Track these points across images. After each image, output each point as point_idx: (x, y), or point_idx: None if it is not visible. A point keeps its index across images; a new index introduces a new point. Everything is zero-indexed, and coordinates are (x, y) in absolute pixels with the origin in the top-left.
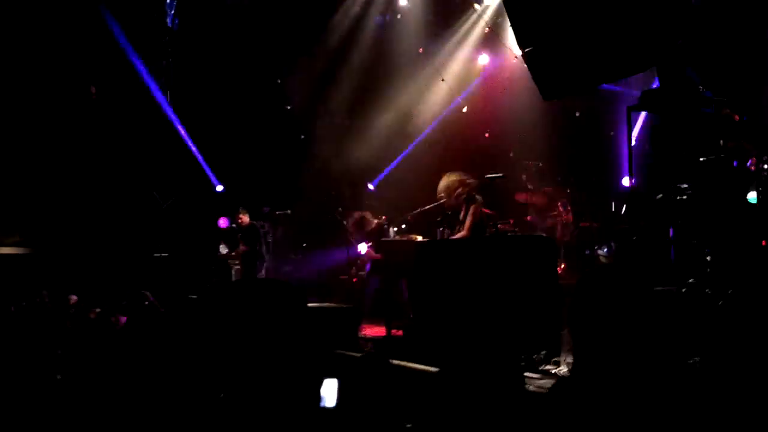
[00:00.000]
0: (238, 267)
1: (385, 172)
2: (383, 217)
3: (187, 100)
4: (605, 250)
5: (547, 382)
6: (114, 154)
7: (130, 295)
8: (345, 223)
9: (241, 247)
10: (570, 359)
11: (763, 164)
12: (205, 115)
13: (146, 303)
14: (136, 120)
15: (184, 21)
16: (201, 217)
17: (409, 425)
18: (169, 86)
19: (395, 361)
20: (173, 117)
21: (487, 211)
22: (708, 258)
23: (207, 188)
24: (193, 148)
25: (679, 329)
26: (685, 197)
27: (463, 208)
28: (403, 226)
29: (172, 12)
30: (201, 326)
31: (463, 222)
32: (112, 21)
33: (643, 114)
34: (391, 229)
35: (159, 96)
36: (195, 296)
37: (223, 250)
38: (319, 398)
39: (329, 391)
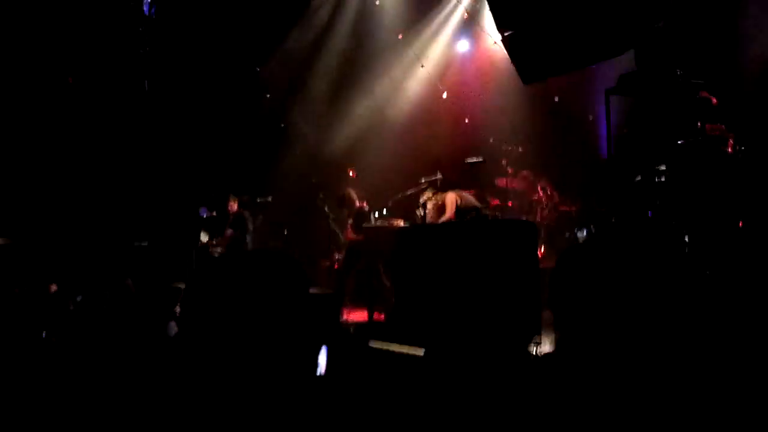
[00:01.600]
0: (219, 254)
1: (366, 157)
2: (365, 203)
3: (165, 89)
4: (584, 232)
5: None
6: (92, 143)
7: (112, 284)
8: (326, 209)
9: (228, 232)
10: (550, 339)
11: (740, 147)
12: (184, 105)
13: (128, 292)
14: (114, 109)
15: (161, 9)
16: (181, 206)
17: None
18: (147, 75)
19: (376, 344)
20: (152, 106)
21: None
22: (686, 239)
23: (187, 178)
24: (172, 138)
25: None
26: (663, 179)
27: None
28: (384, 211)
29: (149, 0)
30: (197, 303)
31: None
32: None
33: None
34: (372, 215)
35: (137, 85)
36: (178, 285)
37: (204, 238)
38: (316, 365)
39: (321, 359)
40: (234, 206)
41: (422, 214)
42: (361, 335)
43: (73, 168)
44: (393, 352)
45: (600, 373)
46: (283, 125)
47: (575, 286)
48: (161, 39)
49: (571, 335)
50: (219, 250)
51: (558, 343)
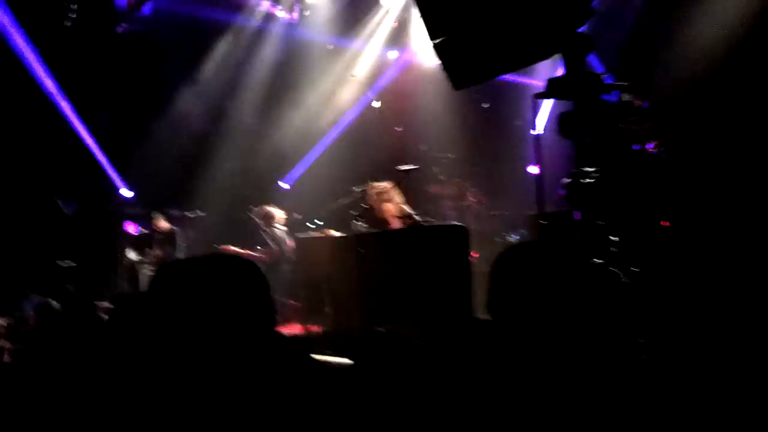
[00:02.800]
0: (148, 273)
1: (299, 168)
2: (293, 214)
3: (89, 102)
4: (516, 236)
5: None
6: (11, 158)
7: (36, 303)
8: (258, 221)
9: (158, 252)
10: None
11: (663, 147)
12: (108, 118)
13: (53, 313)
14: (35, 123)
15: (83, 20)
16: (106, 223)
17: None
18: (69, 89)
19: (316, 356)
20: (74, 120)
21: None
22: (613, 238)
23: (112, 192)
24: (97, 152)
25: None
26: (590, 181)
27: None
28: (320, 222)
29: (72, 15)
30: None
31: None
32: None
33: (551, 103)
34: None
35: (58, 99)
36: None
37: (132, 255)
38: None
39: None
40: (161, 223)
41: (360, 223)
42: (300, 347)
43: None
44: (333, 364)
45: (534, 376)
46: (211, 137)
47: (512, 288)
48: (84, 50)
49: (509, 338)
50: (149, 269)
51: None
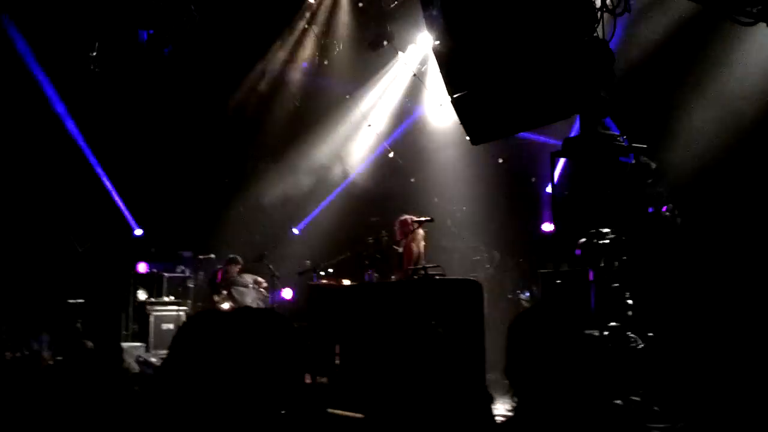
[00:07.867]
0: (156, 313)
1: (311, 215)
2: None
3: (108, 142)
4: (527, 294)
5: None
6: (28, 196)
7: (66, 337)
8: (271, 267)
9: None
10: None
11: (676, 210)
12: (126, 157)
13: (88, 352)
14: (53, 161)
15: (107, 63)
16: (119, 262)
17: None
18: (89, 127)
19: (332, 410)
20: (92, 158)
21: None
22: (629, 301)
23: (125, 232)
24: (112, 191)
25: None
26: (606, 242)
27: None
28: (330, 270)
29: (94, 54)
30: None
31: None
32: (31, 60)
33: (562, 161)
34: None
35: (78, 138)
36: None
37: (142, 295)
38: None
39: None
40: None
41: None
42: (316, 400)
43: (8, 222)
44: (350, 418)
45: None
46: (227, 180)
47: (531, 355)
48: (106, 92)
49: (531, 403)
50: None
51: (517, 411)
